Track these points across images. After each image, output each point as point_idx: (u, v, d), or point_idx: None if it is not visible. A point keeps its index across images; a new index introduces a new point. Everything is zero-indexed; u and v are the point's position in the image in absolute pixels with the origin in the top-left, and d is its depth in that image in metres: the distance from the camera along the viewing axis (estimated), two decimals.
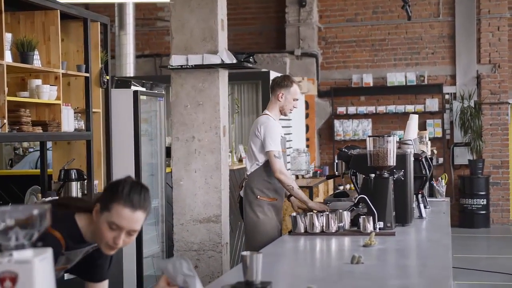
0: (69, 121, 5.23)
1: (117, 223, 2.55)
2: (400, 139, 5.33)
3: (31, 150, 8.73)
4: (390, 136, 4.40)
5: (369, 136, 4.45)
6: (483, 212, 12.20)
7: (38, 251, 1.78)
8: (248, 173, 5.26)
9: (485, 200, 12.18)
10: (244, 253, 2.74)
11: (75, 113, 5.45)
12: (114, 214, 2.55)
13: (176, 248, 5.65)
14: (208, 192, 5.75)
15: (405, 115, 12.48)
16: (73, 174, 5.37)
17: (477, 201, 12.16)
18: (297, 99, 5.32)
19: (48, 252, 1.80)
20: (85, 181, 5.52)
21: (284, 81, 5.29)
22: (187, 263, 2.48)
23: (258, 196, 5.16)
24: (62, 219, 2.61)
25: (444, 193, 6.43)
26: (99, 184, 5.80)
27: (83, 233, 2.66)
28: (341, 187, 12.21)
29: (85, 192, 5.54)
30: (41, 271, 1.74)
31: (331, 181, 11.24)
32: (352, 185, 12.10)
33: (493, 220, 12.45)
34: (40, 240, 2.13)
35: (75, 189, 5.37)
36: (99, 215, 2.59)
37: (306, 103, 12.33)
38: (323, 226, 4.24)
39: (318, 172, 10.93)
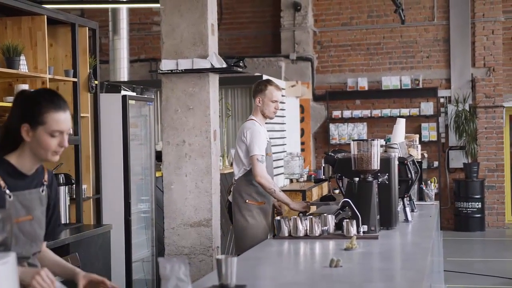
0: None
1: (58, 129, 2.69)
2: (386, 142, 5.35)
3: None
4: (374, 140, 4.42)
5: (353, 140, 4.47)
6: (478, 215, 12.21)
7: (0, 255, 1.79)
8: (236, 178, 5.35)
9: (480, 203, 12.19)
10: (219, 256, 2.76)
11: None
12: (51, 123, 2.67)
13: (167, 252, 5.66)
14: (199, 196, 5.76)
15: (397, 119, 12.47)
16: (61, 179, 5.38)
17: (472, 204, 12.17)
18: (275, 101, 5.38)
19: (11, 257, 1.81)
20: (73, 185, 5.53)
21: (259, 86, 5.42)
22: (185, 268, 2.51)
23: (247, 200, 5.24)
24: None
25: (433, 197, 6.43)
26: (87, 189, 5.82)
27: (18, 167, 2.72)
28: (337, 191, 12.23)
29: (74, 196, 5.56)
30: (2, 275, 1.76)
31: (325, 185, 11.26)
32: None
33: (488, 223, 12.46)
34: None
35: (63, 194, 5.38)
36: (33, 133, 2.68)
37: (302, 107, 12.36)
38: (306, 229, 4.25)
39: (313, 176, 10.95)
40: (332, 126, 12.88)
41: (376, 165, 4.40)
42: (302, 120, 12.37)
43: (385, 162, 4.54)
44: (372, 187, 4.38)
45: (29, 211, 2.74)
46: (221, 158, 8.09)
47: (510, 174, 12.94)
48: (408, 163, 5.04)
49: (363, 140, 4.46)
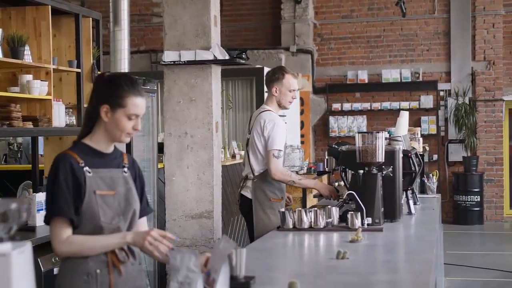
0: (60, 117, 5.24)
1: (136, 113, 2.83)
2: (390, 135, 5.35)
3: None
4: (379, 132, 4.42)
5: (358, 132, 4.46)
6: (477, 209, 12.23)
7: (16, 244, 1.79)
8: (255, 174, 5.12)
9: (479, 197, 12.22)
10: None
11: (66, 108, 5.46)
12: (130, 107, 2.81)
13: None
14: (201, 188, 5.76)
15: (400, 111, 12.48)
16: None
17: (471, 197, 12.19)
18: (293, 90, 5.17)
19: (27, 246, 1.81)
20: None
21: (275, 74, 5.18)
22: (195, 259, 2.52)
23: (271, 199, 5.07)
24: (72, 147, 2.87)
25: (435, 190, 6.44)
26: None
27: (95, 147, 2.86)
28: (336, 183, 12.24)
29: None
30: (19, 264, 1.76)
31: (325, 177, 11.28)
32: None
33: (487, 217, 12.49)
34: (53, 163, 2.78)
35: None
36: (111, 114, 2.82)
37: (301, 99, 12.35)
38: (311, 221, 4.26)
39: (313, 168, 10.97)
40: (331, 119, 12.88)
41: (381, 157, 4.40)
42: (302, 112, 12.37)
43: (390, 154, 4.54)
44: (376, 180, 4.38)
45: (111, 187, 2.85)
46: (222, 150, 8.08)
47: (509, 167, 12.96)
48: (412, 155, 5.04)
49: (368, 132, 4.45)
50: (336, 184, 12.11)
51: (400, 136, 5.15)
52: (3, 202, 1.78)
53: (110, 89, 2.83)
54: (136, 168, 3.02)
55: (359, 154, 4.42)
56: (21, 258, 1.77)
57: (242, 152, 8.32)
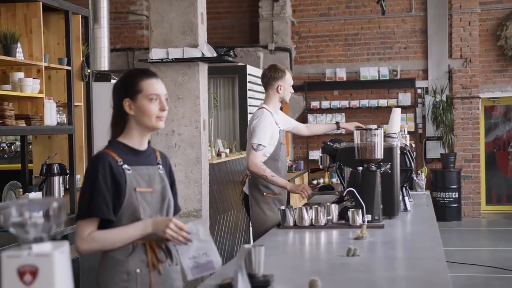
0: (51, 115, 5.16)
1: (154, 92, 2.83)
2: None
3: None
4: (377, 129, 4.41)
5: (356, 129, 4.45)
6: (455, 205, 12.35)
7: (56, 244, 1.76)
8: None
9: (456, 193, 12.33)
10: (247, 246, 2.73)
11: (57, 107, 5.38)
12: (147, 88, 2.82)
13: None
14: (189, 187, 5.74)
15: (378, 109, 12.58)
16: (56, 169, 5.30)
17: (449, 194, 12.30)
18: (291, 84, 5.35)
19: (66, 246, 1.77)
20: (67, 175, 5.45)
21: (278, 73, 5.25)
22: (203, 228, 2.52)
23: (264, 193, 5.11)
24: (108, 145, 2.86)
25: (424, 186, 6.48)
26: (81, 179, 5.73)
27: (129, 145, 2.85)
28: (315, 182, 12.27)
29: (67, 187, 5.48)
30: (60, 264, 1.72)
31: (306, 175, 11.31)
32: (327, 179, 12.10)
33: (465, 213, 12.61)
34: (91, 162, 2.80)
35: (57, 184, 5.30)
36: (134, 104, 2.82)
37: None
38: (312, 219, 4.24)
39: (293, 166, 10.99)
40: (310, 117, 12.89)
41: (379, 154, 4.39)
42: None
43: (388, 151, 4.54)
44: (376, 176, 4.38)
45: (149, 184, 2.84)
46: (209, 148, 8.04)
47: (485, 164, 13.10)
48: (407, 152, 5.06)
49: (366, 129, 4.44)
50: (315, 182, 12.14)
51: (395, 133, 5.17)
52: (44, 201, 1.73)
53: (125, 84, 2.86)
54: (168, 165, 3.01)
55: (358, 151, 4.42)
56: (62, 258, 1.74)
57: (228, 150, 8.29)
